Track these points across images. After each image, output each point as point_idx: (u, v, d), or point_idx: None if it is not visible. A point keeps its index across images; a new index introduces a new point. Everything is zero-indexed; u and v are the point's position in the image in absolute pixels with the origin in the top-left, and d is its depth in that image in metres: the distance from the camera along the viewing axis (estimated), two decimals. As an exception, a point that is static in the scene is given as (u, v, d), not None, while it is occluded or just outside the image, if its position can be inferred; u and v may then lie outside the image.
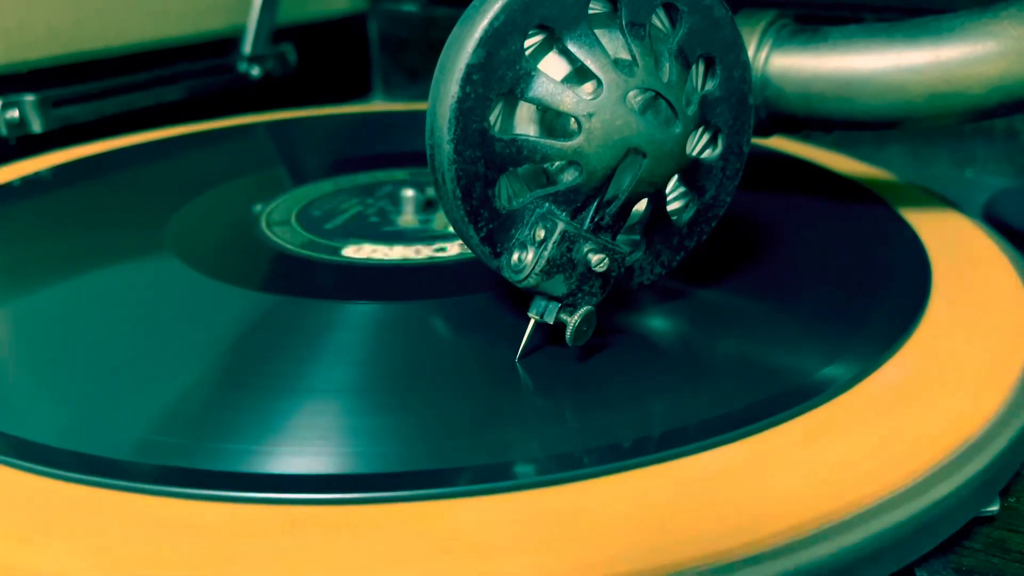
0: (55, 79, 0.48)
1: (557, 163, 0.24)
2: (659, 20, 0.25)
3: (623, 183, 0.24)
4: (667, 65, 0.24)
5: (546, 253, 0.23)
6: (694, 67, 0.25)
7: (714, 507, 0.20)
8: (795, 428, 0.22)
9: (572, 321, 0.24)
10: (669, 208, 0.26)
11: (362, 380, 0.24)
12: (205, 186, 0.40)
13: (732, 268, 0.31)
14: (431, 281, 0.31)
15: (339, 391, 0.24)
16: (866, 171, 0.42)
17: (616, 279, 0.25)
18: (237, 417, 0.23)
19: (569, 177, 0.24)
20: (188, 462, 0.21)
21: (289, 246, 0.34)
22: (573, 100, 0.23)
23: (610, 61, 0.23)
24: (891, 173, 0.42)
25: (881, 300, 0.29)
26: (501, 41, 0.22)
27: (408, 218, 0.37)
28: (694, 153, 0.26)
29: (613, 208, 0.24)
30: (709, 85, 0.25)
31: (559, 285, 0.24)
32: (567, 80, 0.24)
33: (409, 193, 0.37)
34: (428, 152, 0.23)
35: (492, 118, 0.23)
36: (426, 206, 0.37)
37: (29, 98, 0.46)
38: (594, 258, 0.23)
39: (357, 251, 0.33)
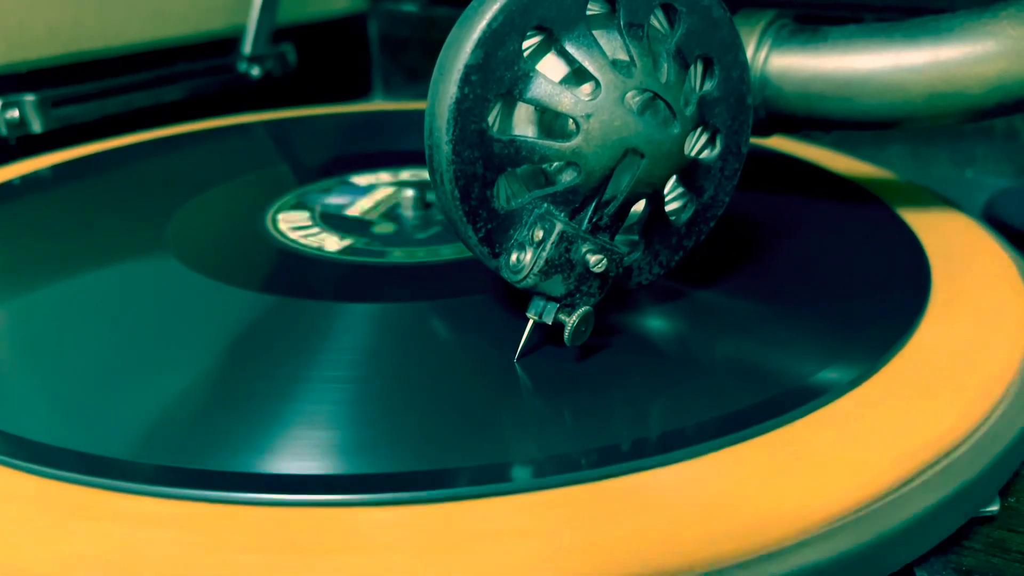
0: (55, 79, 0.48)
1: (555, 164, 0.24)
2: (657, 21, 0.25)
3: (621, 183, 0.24)
4: (665, 66, 0.24)
5: (544, 253, 0.23)
6: (692, 67, 0.25)
7: (714, 509, 0.20)
8: (795, 429, 0.22)
9: (570, 321, 0.24)
10: (667, 208, 0.26)
11: (361, 380, 0.24)
12: (205, 186, 0.40)
13: (731, 268, 0.31)
14: (430, 281, 0.31)
15: (338, 391, 0.24)
16: (866, 171, 0.42)
17: (614, 279, 0.25)
18: (236, 417, 0.23)
19: (567, 178, 0.24)
20: (187, 462, 0.21)
21: (273, 232, 0.34)
22: (571, 101, 0.23)
23: (608, 62, 0.23)
24: (891, 173, 0.42)
25: (881, 301, 0.29)
26: (499, 42, 0.22)
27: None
28: (692, 153, 0.26)
29: (611, 208, 0.24)
30: (707, 85, 0.25)
31: (557, 285, 0.24)
32: (565, 81, 0.24)
33: (408, 193, 0.37)
34: (427, 152, 0.23)
35: (490, 119, 0.23)
36: (425, 206, 0.37)
37: (29, 98, 0.46)
38: (592, 258, 0.23)
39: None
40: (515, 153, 0.23)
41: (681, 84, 0.24)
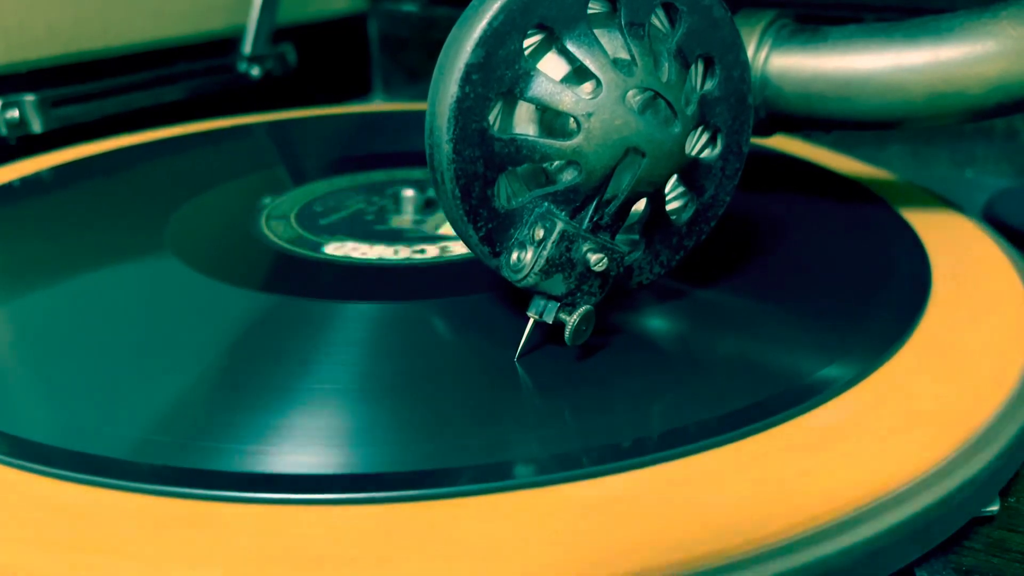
0: (55, 79, 0.48)
1: (556, 163, 0.24)
2: (658, 20, 0.25)
3: (622, 183, 0.24)
4: (666, 65, 0.24)
5: (545, 252, 0.23)
6: (693, 67, 0.25)
7: (714, 508, 0.20)
8: (795, 429, 0.22)
9: (571, 320, 0.24)
10: (668, 208, 0.26)
11: (361, 380, 0.24)
12: (205, 186, 0.40)
13: (731, 268, 0.31)
14: (431, 281, 0.31)
15: (338, 391, 0.24)
16: (866, 171, 0.42)
17: (615, 279, 0.25)
18: (236, 417, 0.23)
19: (568, 177, 0.24)
20: (186, 462, 0.21)
21: (276, 239, 0.34)
22: (572, 100, 0.23)
23: (609, 61, 0.23)
24: (891, 173, 0.42)
25: (881, 300, 0.29)
26: (500, 41, 0.22)
27: (404, 218, 0.37)
28: (693, 153, 0.26)
29: (612, 208, 0.24)
30: (708, 85, 0.25)
31: (558, 284, 0.24)
32: (566, 80, 0.24)
33: (409, 193, 0.37)
34: (427, 152, 0.23)
35: (491, 118, 0.23)
36: (425, 206, 0.37)
37: (29, 98, 0.46)
38: (593, 257, 0.23)
39: (339, 248, 0.33)
40: (516, 152, 0.23)
41: (682, 83, 0.24)
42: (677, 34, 0.24)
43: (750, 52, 0.32)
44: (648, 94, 0.24)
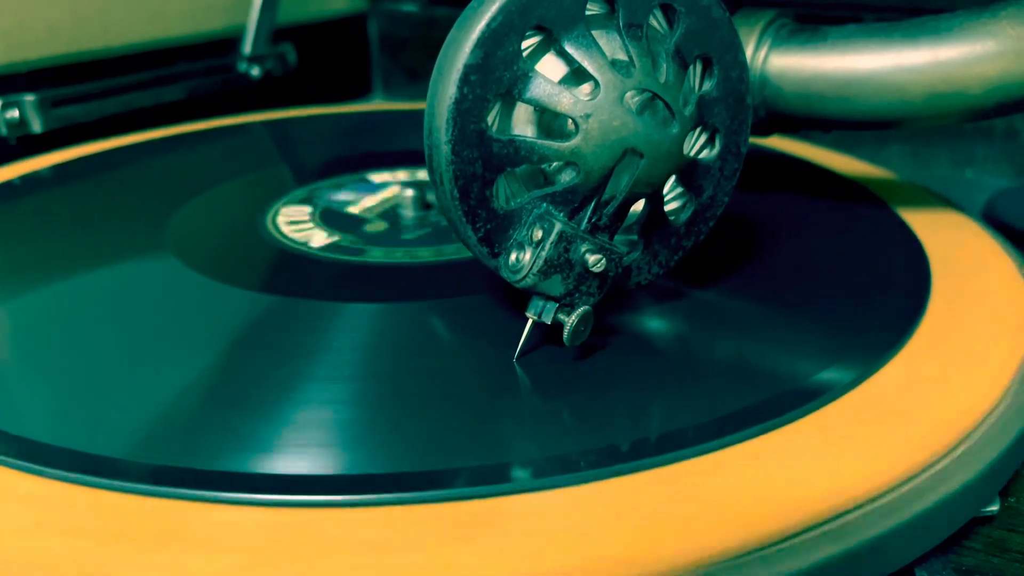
0: (55, 79, 0.48)
1: (555, 164, 0.24)
2: (656, 21, 0.25)
3: (620, 183, 0.24)
4: (664, 66, 0.24)
5: (544, 253, 0.23)
6: (691, 67, 0.25)
7: (713, 509, 0.20)
8: (795, 430, 0.22)
9: (570, 321, 0.24)
10: (667, 208, 0.26)
11: (360, 381, 0.24)
12: (205, 186, 0.40)
13: (730, 269, 0.31)
14: (430, 281, 0.31)
15: (337, 391, 0.24)
16: (866, 171, 0.42)
17: (613, 279, 0.25)
18: (235, 417, 0.23)
19: (567, 177, 0.24)
20: (186, 462, 0.21)
21: (271, 229, 0.35)
22: (570, 101, 0.23)
23: (607, 62, 0.23)
24: (891, 173, 0.42)
25: (881, 301, 0.29)
26: (498, 42, 0.22)
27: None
28: (691, 153, 0.26)
29: (611, 208, 0.24)
30: (706, 85, 0.25)
31: (556, 285, 0.24)
32: (564, 81, 0.24)
33: (408, 193, 0.37)
34: (426, 152, 0.23)
35: (490, 119, 0.23)
36: (425, 206, 0.37)
37: (29, 98, 0.46)
38: (591, 258, 0.23)
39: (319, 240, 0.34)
40: (514, 153, 0.23)
41: (680, 84, 0.24)
42: (675, 35, 0.24)
43: (749, 52, 0.32)
44: (646, 95, 0.24)
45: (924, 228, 0.34)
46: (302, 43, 0.61)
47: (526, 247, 0.23)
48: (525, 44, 0.23)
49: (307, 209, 0.37)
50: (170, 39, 0.54)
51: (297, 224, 0.36)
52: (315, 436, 0.22)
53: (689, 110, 0.24)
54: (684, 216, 0.26)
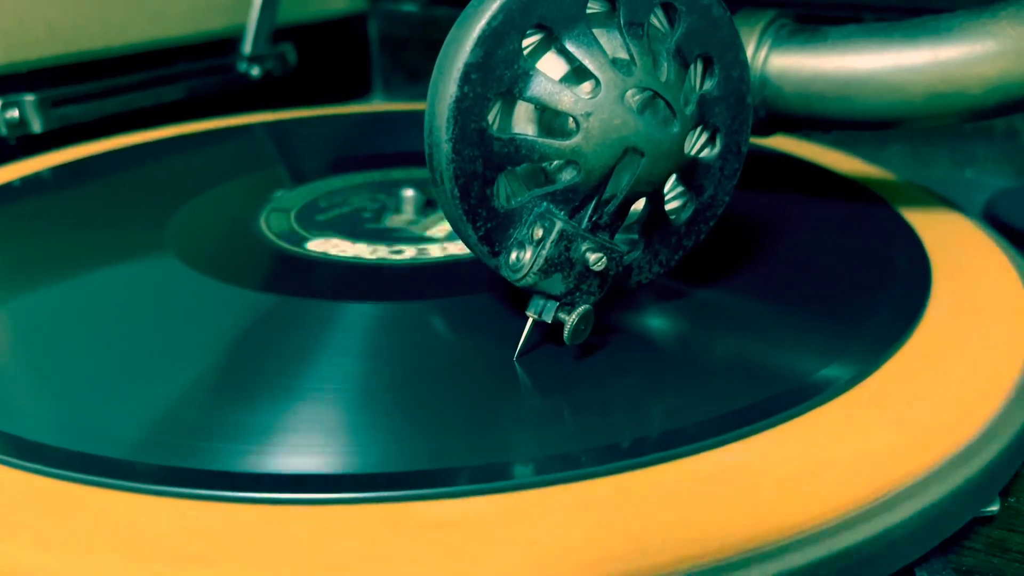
0: (55, 79, 0.48)
1: (555, 162, 0.24)
2: (657, 20, 0.25)
3: (621, 182, 0.24)
4: (665, 64, 0.24)
5: (544, 252, 0.23)
6: (692, 66, 0.25)
7: (713, 508, 0.20)
8: (794, 429, 0.22)
9: (570, 320, 0.24)
10: (667, 207, 0.26)
11: (360, 380, 0.24)
12: (205, 186, 0.40)
13: (731, 268, 0.31)
14: (430, 281, 0.31)
15: (337, 391, 0.24)
16: (866, 171, 0.42)
17: (614, 278, 0.25)
18: (235, 417, 0.23)
19: (567, 176, 0.24)
20: (185, 462, 0.21)
21: (267, 232, 0.35)
22: (571, 99, 0.23)
23: (608, 60, 0.23)
24: (891, 173, 0.42)
25: (881, 300, 0.29)
26: (499, 41, 0.22)
27: (400, 218, 0.37)
28: (692, 152, 0.26)
29: (611, 207, 0.24)
30: (707, 84, 0.25)
31: (557, 284, 0.24)
32: (565, 79, 0.24)
33: (408, 193, 0.37)
34: (427, 151, 0.23)
35: (490, 117, 0.23)
36: (425, 206, 0.37)
37: (29, 98, 0.46)
38: (592, 257, 0.23)
39: (322, 245, 0.34)
40: (515, 152, 0.23)
41: (681, 83, 0.24)
42: (676, 34, 0.24)
43: (750, 52, 0.32)
44: (647, 94, 0.24)
45: (924, 228, 0.34)
46: (302, 43, 0.61)
47: (526, 246, 0.23)
48: (526, 43, 0.23)
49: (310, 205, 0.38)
50: (170, 39, 0.54)
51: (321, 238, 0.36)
52: (315, 436, 0.22)
53: (690, 109, 0.24)
54: (685, 215, 0.26)
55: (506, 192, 0.24)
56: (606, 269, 0.24)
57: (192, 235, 0.35)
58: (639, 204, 0.25)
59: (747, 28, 0.32)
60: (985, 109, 0.30)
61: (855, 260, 0.32)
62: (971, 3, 0.30)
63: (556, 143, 0.23)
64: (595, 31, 0.23)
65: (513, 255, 0.24)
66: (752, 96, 0.26)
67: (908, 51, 0.30)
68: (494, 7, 0.22)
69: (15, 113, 0.46)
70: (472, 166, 0.23)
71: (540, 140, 0.23)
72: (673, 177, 0.26)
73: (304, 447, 0.21)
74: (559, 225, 0.23)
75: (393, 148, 0.46)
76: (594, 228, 0.24)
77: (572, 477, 0.20)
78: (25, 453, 0.21)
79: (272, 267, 0.33)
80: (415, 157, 0.44)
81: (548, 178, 0.24)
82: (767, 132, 0.34)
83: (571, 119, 0.23)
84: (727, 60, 0.25)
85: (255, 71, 0.58)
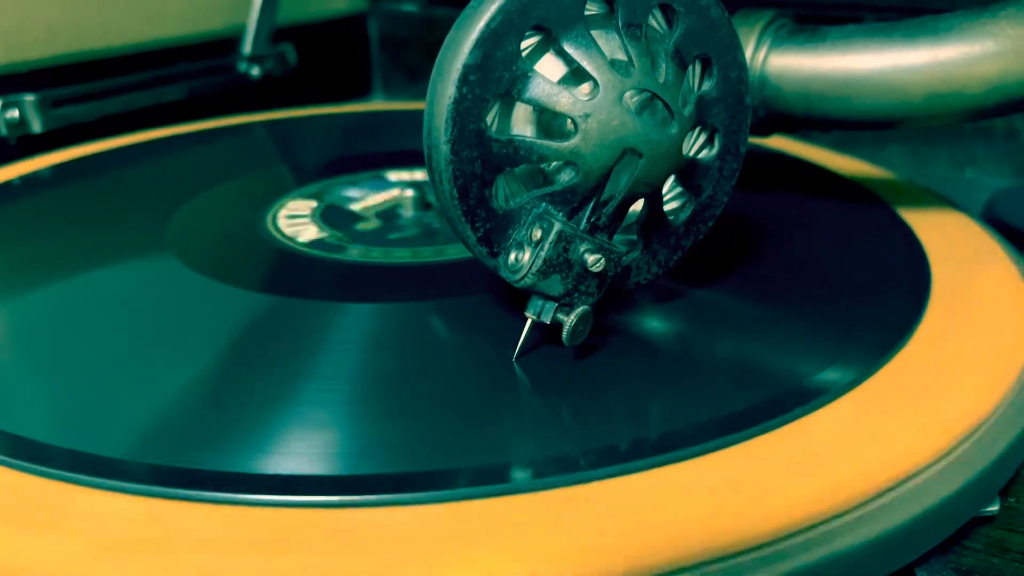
0: (55, 79, 0.48)
1: (554, 163, 0.24)
2: (656, 21, 0.25)
3: (620, 183, 0.24)
4: (663, 66, 0.24)
5: (543, 253, 0.23)
6: (691, 67, 0.25)
7: (712, 509, 0.20)
8: (794, 430, 0.22)
9: (569, 321, 0.24)
10: (666, 208, 0.26)
11: (360, 380, 0.24)
12: (205, 186, 0.40)
13: (730, 268, 0.31)
14: (429, 281, 0.31)
15: (337, 391, 0.24)
16: (866, 171, 0.42)
17: (613, 279, 0.25)
18: (235, 417, 0.23)
19: (566, 177, 0.24)
20: (186, 462, 0.21)
21: (269, 228, 0.35)
22: (569, 101, 0.23)
23: (606, 62, 0.23)
24: (891, 173, 0.42)
25: (881, 300, 0.29)
26: (498, 42, 0.22)
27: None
28: (691, 153, 0.26)
29: (610, 208, 0.24)
30: (706, 85, 0.25)
31: (556, 285, 0.24)
32: (564, 81, 0.24)
33: (408, 193, 0.37)
34: (425, 152, 0.23)
35: (489, 119, 0.23)
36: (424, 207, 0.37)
37: (29, 98, 0.46)
38: (590, 258, 0.23)
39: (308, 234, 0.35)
40: (513, 153, 0.23)
41: (679, 84, 0.24)
42: (674, 35, 0.24)
43: (749, 52, 0.32)
44: (645, 95, 0.24)
45: (924, 228, 0.34)
46: (302, 43, 0.61)
47: (525, 247, 0.23)
48: (524, 44, 0.23)
49: (313, 204, 0.38)
50: (170, 39, 0.54)
51: (295, 218, 0.36)
52: (314, 436, 0.22)
53: (688, 110, 0.24)
54: (683, 216, 0.26)
55: (505, 193, 0.24)
56: (605, 270, 0.24)
57: (192, 235, 0.35)
58: (638, 205, 0.25)
59: (746, 28, 0.32)
60: (985, 109, 0.30)
61: (855, 260, 0.32)
62: (971, 3, 0.30)
63: (554, 144, 0.23)
64: (593, 32, 0.23)
65: (512, 256, 0.24)
66: (751, 96, 0.26)
67: (908, 51, 0.30)
68: (493, 9, 0.22)
69: (15, 113, 0.46)
70: (471, 167, 0.23)
71: (539, 141, 0.23)
72: (672, 178, 0.26)
73: (303, 447, 0.21)
74: (558, 226, 0.23)
75: (393, 148, 0.46)
76: (592, 229, 0.24)
77: (570, 479, 0.20)
78: (25, 453, 0.21)
79: (272, 268, 0.33)
80: (415, 157, 0.44)
81: (547, 179, 0.24)
82: (766, 132, 0.34)
83: (569, 120, 0.23)
84: (725, 61, 0.25)
85: (255, 71, 0.58)
